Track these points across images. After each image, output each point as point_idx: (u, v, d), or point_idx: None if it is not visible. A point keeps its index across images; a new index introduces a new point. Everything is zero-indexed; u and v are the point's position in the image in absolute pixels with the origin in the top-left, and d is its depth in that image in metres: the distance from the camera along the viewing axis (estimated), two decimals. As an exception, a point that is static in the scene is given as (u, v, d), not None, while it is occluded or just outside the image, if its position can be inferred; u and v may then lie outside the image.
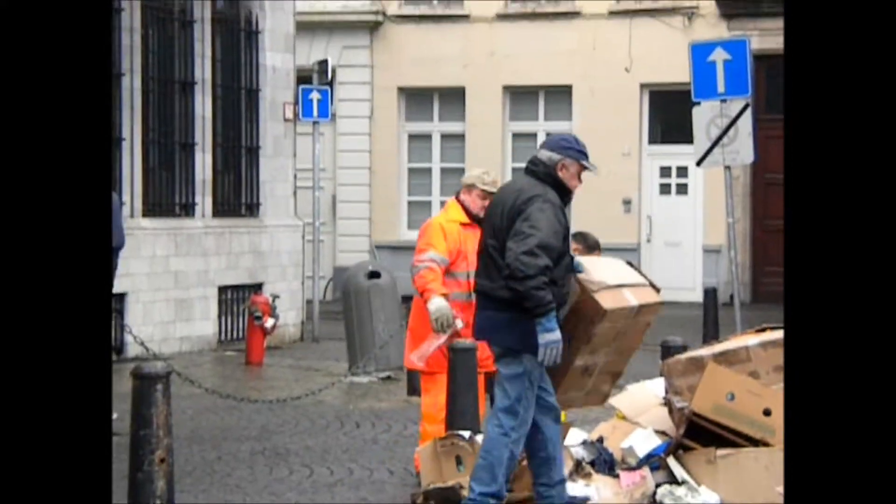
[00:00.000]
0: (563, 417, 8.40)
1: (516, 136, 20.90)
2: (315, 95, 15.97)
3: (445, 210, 7.87)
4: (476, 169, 7.93)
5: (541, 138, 20.98)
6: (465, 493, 6.71)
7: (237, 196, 15.24)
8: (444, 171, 21.08)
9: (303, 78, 16.50)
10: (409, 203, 21.27)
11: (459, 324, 7.38)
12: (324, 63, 16.48)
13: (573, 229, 8.77)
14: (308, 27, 19.30)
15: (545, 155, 6.64)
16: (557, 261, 6.43)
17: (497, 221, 6.49)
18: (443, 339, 7.41)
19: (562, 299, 6.54)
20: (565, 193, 6.62)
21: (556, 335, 6.30)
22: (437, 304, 7.38)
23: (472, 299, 7.43)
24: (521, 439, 6.52)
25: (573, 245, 8.44)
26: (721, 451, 6.96)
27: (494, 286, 6.45)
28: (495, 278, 6.44)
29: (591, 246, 8.56)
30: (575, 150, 6.65)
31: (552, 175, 6.58)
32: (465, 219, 7.68)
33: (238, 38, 15.19)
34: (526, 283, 6.24)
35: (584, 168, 6.68)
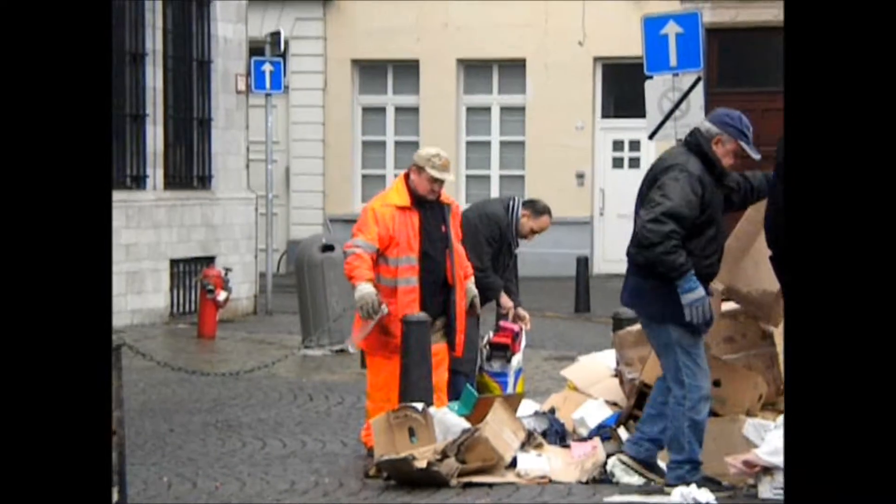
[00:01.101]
0: (520, 388, 8.46)
1: (470, 109, 20.87)
2: (267, 67, 15.86)
3: (388, 190, 7.72)
4: (431, 148, 7.71)
5: (495, 112, 21.05)
6: (417, 464, 6.73)
7: (189, 168, 15.14)
8: (398, 144, 21.02)
9: (255, 49, 16.38)
10: (363, 176, 21.22)
11: (385, 309, 7.31)
12: (276, 34, 16.35)
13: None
14: (261, -2, 19.15)
15: (705, 126, 6.62)
16: (698, 231, 6.39)
17: (643, 190, 6.55)
18: (371, 324, 7.37)
19: (706, 271, 6.45)
20: (713, 167, 6.51)
21: (699, 293, 6.28)
22: (362, 290, 7.27)
23: (398, 286, 7.39)
24: (700, 405, 6.47)
25: (522, 211, 8.48)
26: (671, 422, 7.01)
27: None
28: None
29: (540, 211, 8.58)
30: (735, 129, 6.54)
31: (701, 147, 6.51)
32: (406, 202, 7.46)
33: (189, 9, 15.06)
34: (653, 250, 6.28)
35: (743, 149, 6.56)
